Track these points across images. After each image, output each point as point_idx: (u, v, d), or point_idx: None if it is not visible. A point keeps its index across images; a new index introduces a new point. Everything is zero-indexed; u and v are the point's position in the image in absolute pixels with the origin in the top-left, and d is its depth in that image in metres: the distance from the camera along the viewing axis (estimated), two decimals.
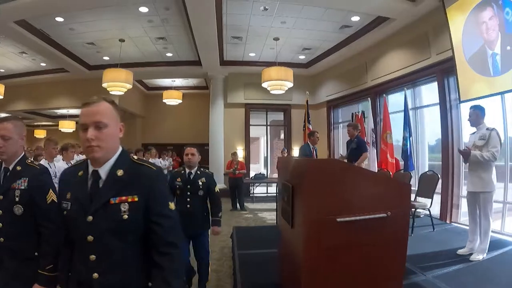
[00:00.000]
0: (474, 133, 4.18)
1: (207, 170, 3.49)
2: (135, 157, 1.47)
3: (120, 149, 1.40)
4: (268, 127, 12.83)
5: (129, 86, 8.89)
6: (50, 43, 8.54)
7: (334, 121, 11.07)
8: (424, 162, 7.36)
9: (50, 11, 6.80)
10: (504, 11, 4.77)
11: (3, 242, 1.82)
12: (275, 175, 12.21)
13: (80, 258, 1.31)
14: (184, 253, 3.26)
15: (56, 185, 1.56)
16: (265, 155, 15.84)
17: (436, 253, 4.10)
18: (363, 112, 8.68)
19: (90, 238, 1.27)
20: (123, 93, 9.14)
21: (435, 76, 6.59)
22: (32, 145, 15.79)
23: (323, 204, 2.14)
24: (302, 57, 10.22)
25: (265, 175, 11.30)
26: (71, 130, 15.26)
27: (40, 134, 17.96)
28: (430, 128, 7.24)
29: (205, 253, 3.42)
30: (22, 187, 1.85)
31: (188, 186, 3.28)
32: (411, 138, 6.71)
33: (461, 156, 4.37)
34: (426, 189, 5.51)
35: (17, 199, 1.83)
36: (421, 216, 6.01)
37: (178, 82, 13.62)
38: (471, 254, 3.91)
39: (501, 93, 5.06)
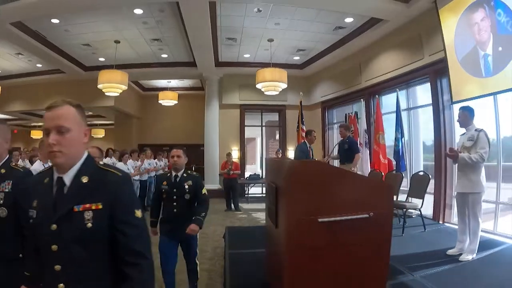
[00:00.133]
0: (463, 134, 4.20)
1: (194, 173, 3.37)
2: (101, 162, 1.45)
3: (86, 154, 1.35)
4: (264, 128, 12.85)
5: (124, 87, 8.92)
6: (46, 45, 8.58)
7: (329, 122, 11.11)
8: (419, 162, 7.37)
9: (46, 13, 6.82)
10: (496, 12, 4.79)
11: None
12: None
13: (46, 268, 1.25)
14: (172, 258, 3.24)
15: None
16: (261, 155, 15.84)
17: (426, 253, 4.11)
18: (356, 113, 8.72)
19: (54, 247, 1.22)
20: (118, 94, 9.18)
21: (428, 77, 6.62)
22: (28, 146, 15.81)
23: (305, 205, 2.16)
24: (296, 58, 10.26)
25: (261, 176, 11.32)
26: None
27: (37, 135, 17.95)
28: (426, 128, 7.24)
29: (193, 257, 3.36)
30: (6, 190, 1.86)
31: (174, 190, 3.19)
32: (403, 139, 6.73)
33: (450, 158, 4.38)
34: (418, 190, 5.52)
35: (1, 201, 1.84)
36: (413, 216, 6.04)
37: (174, 83, 13.64)
38: (460, 254, 3.92)
39: (493, 94, 5.08)
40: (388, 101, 8.19)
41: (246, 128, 12.01)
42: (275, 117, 12.86)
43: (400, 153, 6.61)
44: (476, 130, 3.96)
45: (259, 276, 3.25)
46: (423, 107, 7.16)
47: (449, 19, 5.69)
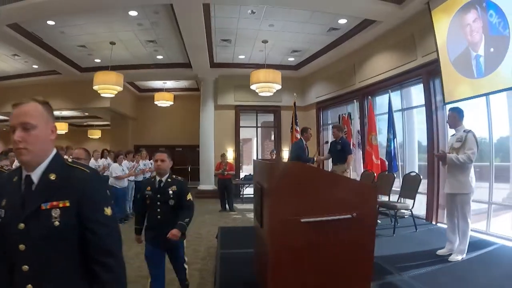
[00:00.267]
0: (453, 135, 4.21)
1: (179, 177, 3.20)
2: (69, 159, 1.42)
3: (54, 152, 1.32)
4: (259, 129, 12.87)
5: (120, 88, 8.94)
6: (42, 46, 8.60)
7: (324, 123, 11.13)
8: (413, 162, 7.39)
9: (42, 14, 6.85)
10: (488, 13, 4.82)
11: None
12: None
13: (14, 269, 1.20)
14: (159, 264, 3.10)
15: None
16: (257, 156, 15.84)
17: (415, 254, 4.14)
18: (349, 114, 8.75)
19: (22, 246, 1.18)
20: (114, 95, 9.19)
21: (421, 77, 6.65)
22: None
23: (289, 206, 2.19)
24: (291, 59, 10.29)
25: None
26: (63, 132, 15.25)
27: None
28: (421, 128, 7.23)
29: (181, 263, 3.27)
30: None
31: (158, 196, 3.04)
32: (395, 140, 6.75)
33: (438, 159, 4.40)
34: (409, 190, 5.54)
35: None
36: (405, 216, 6.06)
37: (170, 84, 13.65)
38: (450, 254, 3.95)
39: (485, 95, 5.12)
40: (383, 102, 8.20)
41: (242, 128, 12.01)
42: (271, 117, 12.89)
43: (392, 154, 6.63)
44: (464, 131, 3.98)
45: (248, 275, 3.28)
46: (417, 107, 7.19)
47: (442, 20, 5.72)
